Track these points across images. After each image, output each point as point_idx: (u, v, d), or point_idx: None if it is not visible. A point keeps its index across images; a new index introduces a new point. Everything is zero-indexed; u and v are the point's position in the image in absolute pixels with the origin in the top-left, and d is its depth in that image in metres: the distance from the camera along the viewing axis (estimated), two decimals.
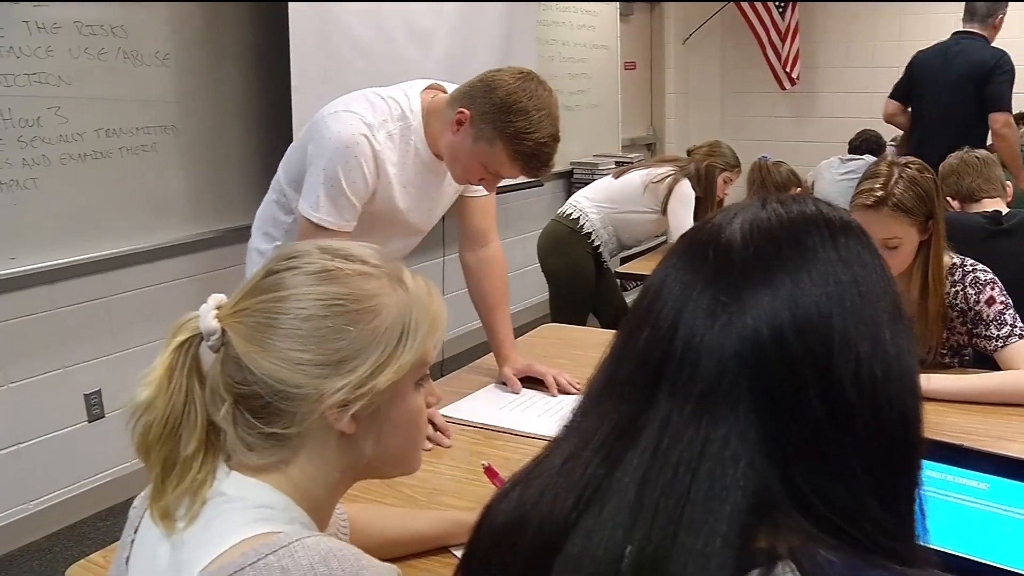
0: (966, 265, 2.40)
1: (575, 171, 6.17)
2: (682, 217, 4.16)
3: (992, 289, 2.36)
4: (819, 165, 6.11)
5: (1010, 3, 5.04)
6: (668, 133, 8.00)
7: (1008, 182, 3.27)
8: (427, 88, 2.26)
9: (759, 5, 8.24)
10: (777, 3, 8.23)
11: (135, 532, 1.07)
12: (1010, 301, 2.36)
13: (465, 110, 2.09)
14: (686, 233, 0.81)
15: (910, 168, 2.35)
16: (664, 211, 4.19)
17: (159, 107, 3.74)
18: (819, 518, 0.68)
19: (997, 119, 4.73)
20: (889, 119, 5.39)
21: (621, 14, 7.07)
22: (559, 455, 0.78)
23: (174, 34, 3.75)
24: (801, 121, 8.62)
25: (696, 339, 0.71)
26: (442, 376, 2.60)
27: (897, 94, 5.24)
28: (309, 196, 2.17)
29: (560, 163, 6.17)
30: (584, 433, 0.77)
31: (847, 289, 0.72)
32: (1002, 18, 4.95)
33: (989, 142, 4.78)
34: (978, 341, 2.36)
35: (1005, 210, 3.05)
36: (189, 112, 3.85)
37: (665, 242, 4.84)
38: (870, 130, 6.22)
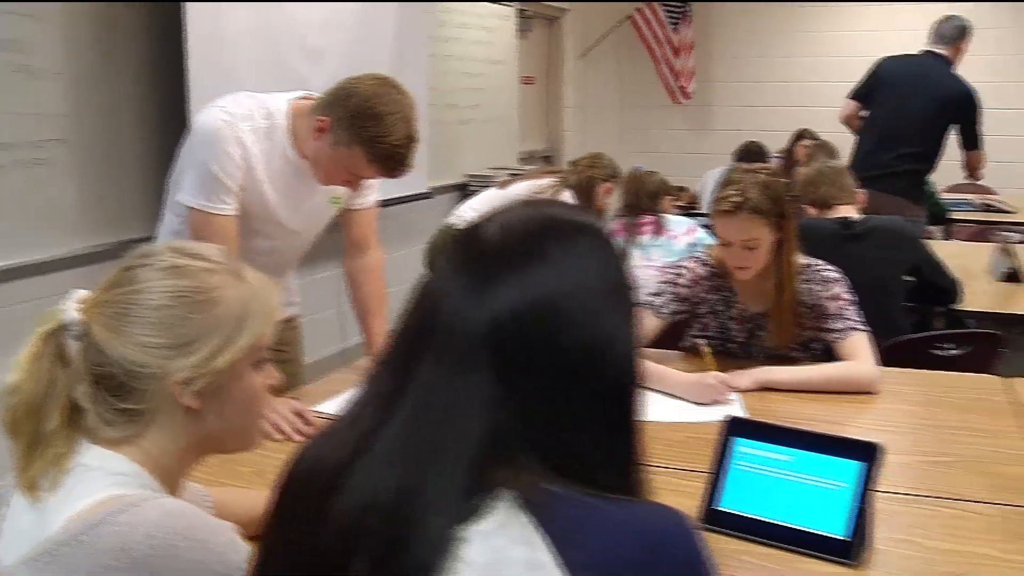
0: (817, 265, 2.60)
1: (470, 183, 6.32)
2: None
3: (838, 287, 2.56)
4: (705, 175, 6.37)
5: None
6: (567, 146, 8.19)
7: (860, 191, 3.50)
8: (301, 97, 2.39)
9: (653, 22, 8.51)
10: (671, 20, 8.51)
11: (8, 507, 1.19)
12: (854, 299, 2.56)
13: (325, 117, 2.23)
14: (457, 232, 0.98)
15: (761, 174, 2.55)
16: None
17: (52, 120, 3.77)
18: (551, 459, 0.85)
19: (977, 157, 5.03)
20: (847, 120, 5.38)
21: (519, 30, 7.24)
22: (349, 413, 0.93)
23: (68, 46, 3.79)
24: (697, 134, 8.91)
25: (453, 317, 0.88)
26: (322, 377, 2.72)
27: (858, 96, 5.27)
28: (185, 186, 2.32)
29: (455, 175, 6.32)
30: (367, 394, 0.93)
31: (577, 279, 0.90)
32: (965, 47, 5.07)
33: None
34: (822, 334, 2.57)
35: (856, 216, 3.29)
36: (83, 124, 3.89)
37: None
38: (754, 142, 6.50)
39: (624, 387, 0.92)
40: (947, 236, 5.93)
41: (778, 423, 1.71)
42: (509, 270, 0.89)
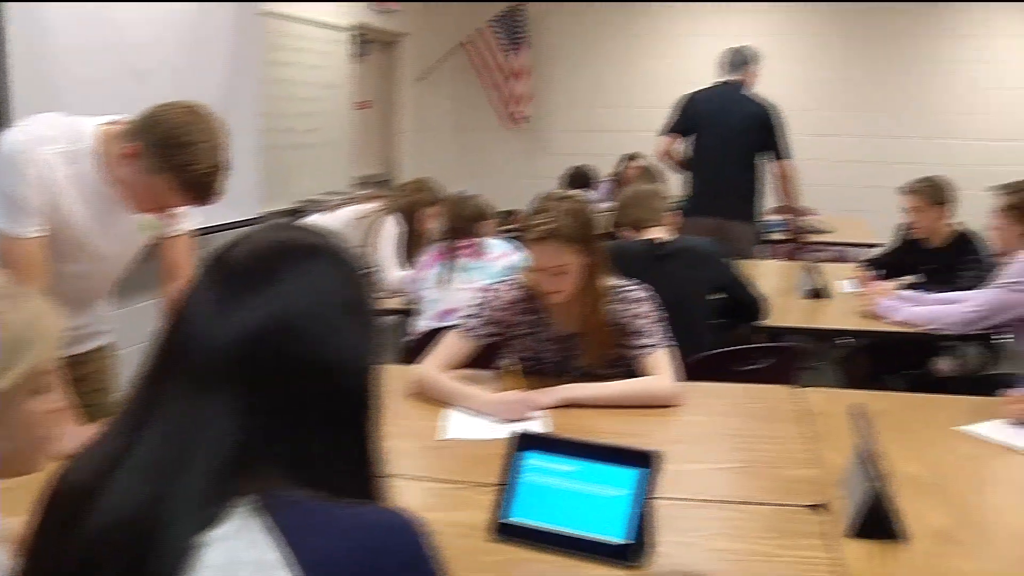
0: (626, 286, 2.73)
1: (303, 208, 6.27)
2: (385, 251, 4.38)
3: (645, 305, 2.69)
4: (534, 199, 6.50)
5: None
6: (404, 169, 8.24)
7: (671, 213, 3.68)
8: (111, 122, 2.37)
9: (485, 48, 8.67)
10: (507, 45, 8.68)
11: None
12: (660, 317, 2.70)
13: (134, 144, 2.23)
14: (208, 253, 1.03)
15: (569, 201, 2.66)
16: (369, 245, 4.38)
17: None
18: (293, 468, 0.91)
19: (785, 166, 5.42)
20: (664, 155, 5.77)
21: (359, 54, 7.26)
22: (105, 432, 0.97)
23: None
24: (533, 157, 9.07)
25: (198, 333, 0.94)
26: None
27: (674, 130, 5.63)
28: None
29: (289, 200, 6.27)
30: (122, 413, 0.97)
31: (312, 299, 0.97)
32: (756, 71, 5.59)
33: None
34: (629, 351, 2.69)
35: (667, 237, 3.45)
36: None
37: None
38: (580, 167, 6.70)
39: (360, 400, 0.99)
40: (773, 255, 6.27)
41: (568, 436, 1.80)
42: (250, 290, 0.95)
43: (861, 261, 5.06)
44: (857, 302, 4.07)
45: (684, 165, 5.69)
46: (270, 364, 0.93)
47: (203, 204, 2.30)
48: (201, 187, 2.23)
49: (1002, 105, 8.16)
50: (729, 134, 5.34)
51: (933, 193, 4.31)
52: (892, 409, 2.56)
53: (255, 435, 0.91)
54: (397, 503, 0.98)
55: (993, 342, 4.04)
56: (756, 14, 8.23)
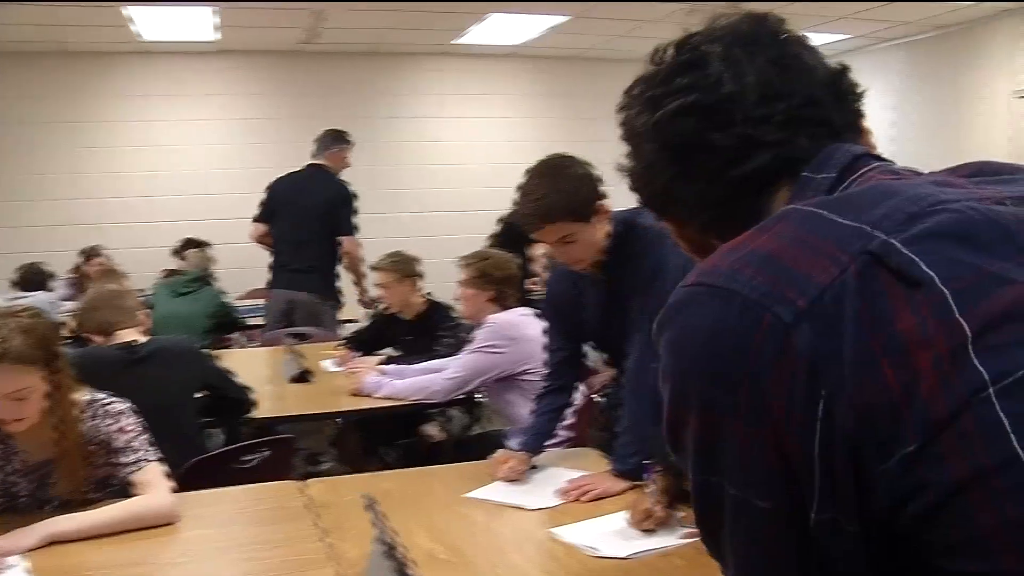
0: (101, 399, 2.44)
1: None
2: None
3: (125, 418, 2.43)
4: None
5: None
6: None
7: (144, 312, 3.43)
8: None
9: None
10: None
11: None
12: (144, 428, 2.45)
13: None
14: None
15: (22, 317, 2.33)
16: None
17: None
18: None
19: (344, 242, 5.73)
20: (258, 240, 5.94)
21: None
22: None
23: None
24: None
25: None
26: None
27: (262, 218, 5.87)
28: None
29: None
30: None
31: None
32: (343, 154, 5.90)
33: None
34: (116, 470, 2.41)
35: (141, 339, 3.19)
36: None
37: None
38: (35, 264, 6.09)
39: None
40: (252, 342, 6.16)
41: None
42: None
43: (340, 340, 5.13)
44: (344, 381, 4.09)
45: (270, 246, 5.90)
46: None
47: None
48: None
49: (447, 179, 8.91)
50: (307, 216, 5.68)
51: (401, 268, 4.48)
52: (397, 488, 2.57)
53: None
54: None
55: (477, 402, 4.27)
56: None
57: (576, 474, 2.62)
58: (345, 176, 5.93)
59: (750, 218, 0.82)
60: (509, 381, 3.61)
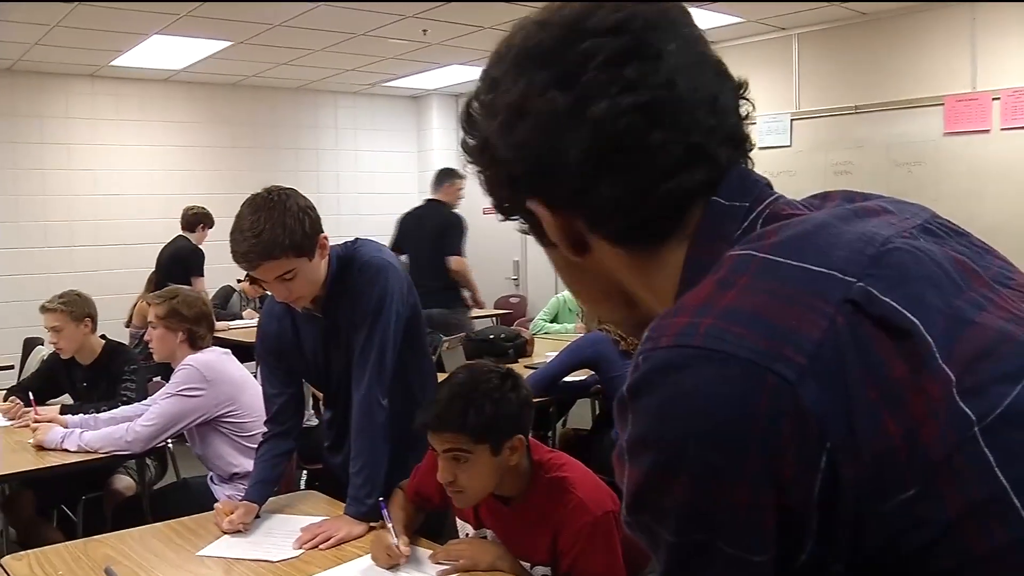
0: None
1: None
2: None
3: None
4: None
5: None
6: None
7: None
8: None
9: None
10: None
11: None
12: None
13: None
14: None
15: None
16: None
17: None
18: None
19: (451, 261, 6.46)
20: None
21: None
22: None
23: None
24: None
25: None
26: None
27: (395, 246, 6.43)
28: None
29: None
30: None
31: None
32: (457, 187, 6.60)
33: None
34: None
35: None
36: None
37: None
38: None
39: None
40: None
41: None
42: None
43: (5, 390, 4.60)
44: (21, 434, 3.69)
45: None
46: None
47: None
48: None
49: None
50: (421, 246, 6.49)
51: (75, 308, 4.10)
52: (120, 552, 2.36)
53: None
54: None
55: (168, 449, 4.01)
56: None
57: (308, 520, 2.54)
58: None
59: (658, 236, 0.81)
60: (210, 425, 3.43)
